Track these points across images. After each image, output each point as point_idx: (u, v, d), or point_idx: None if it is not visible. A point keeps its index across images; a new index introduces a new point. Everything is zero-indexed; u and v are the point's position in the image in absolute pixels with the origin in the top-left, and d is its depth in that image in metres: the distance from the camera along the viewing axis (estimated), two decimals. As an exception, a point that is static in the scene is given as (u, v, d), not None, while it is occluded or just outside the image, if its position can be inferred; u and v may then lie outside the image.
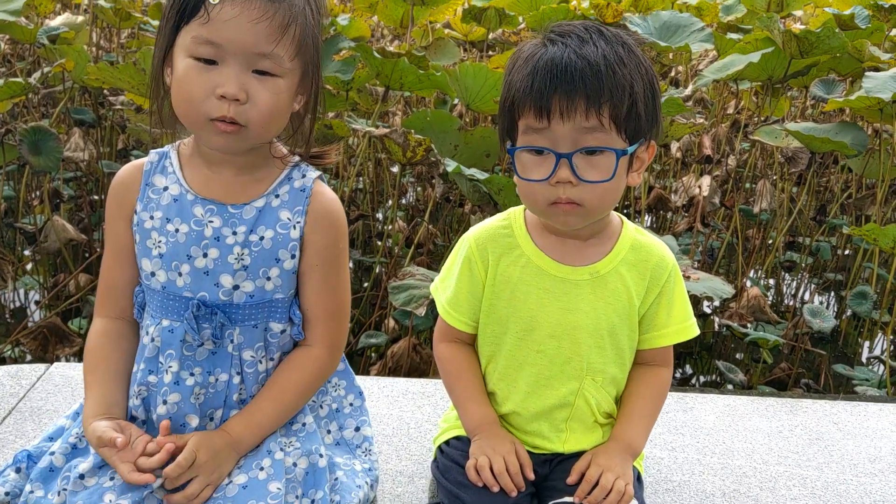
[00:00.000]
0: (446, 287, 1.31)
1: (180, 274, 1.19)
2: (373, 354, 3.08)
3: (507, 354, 1.27)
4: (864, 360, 3.61)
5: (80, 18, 4.42)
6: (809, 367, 3.46)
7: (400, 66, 3.27)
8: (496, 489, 1.17)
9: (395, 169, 4.56)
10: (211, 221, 1.18)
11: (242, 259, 1.18)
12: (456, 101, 4.15)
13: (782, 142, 3.77)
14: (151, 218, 1.20)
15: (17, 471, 1.22)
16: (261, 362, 1.22)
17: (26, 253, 3.70)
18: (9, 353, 2.93)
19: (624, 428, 1.25)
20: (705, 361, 3.65)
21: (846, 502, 1.41)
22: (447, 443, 1.33)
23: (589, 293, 1.22)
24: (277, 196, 1.21)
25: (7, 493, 1.19)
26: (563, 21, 1.22)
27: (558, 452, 1.27)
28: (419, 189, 4.80)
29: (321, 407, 1.32)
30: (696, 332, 1.27)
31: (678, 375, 3.49)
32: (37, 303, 3.49)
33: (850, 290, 3.84)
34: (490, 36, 4.83)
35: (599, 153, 1.11)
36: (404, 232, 3.95)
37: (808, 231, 4.31)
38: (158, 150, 1.25)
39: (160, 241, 1.19)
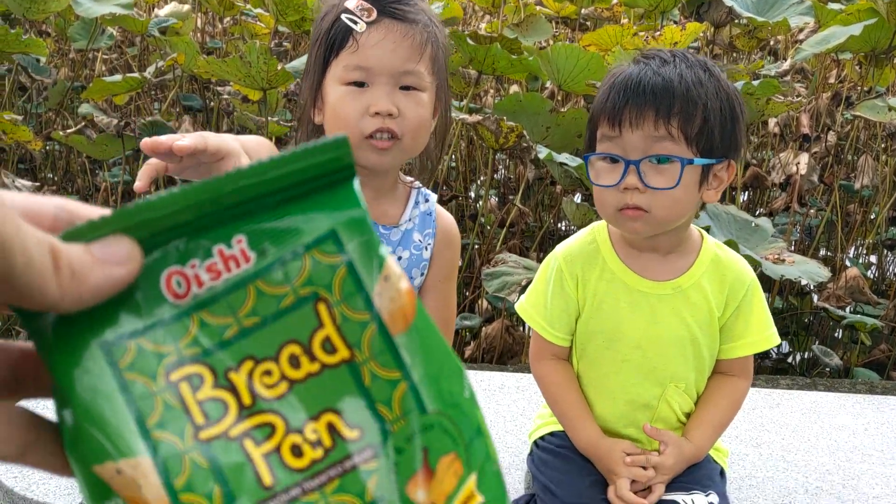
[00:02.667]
0: (538, 306, 1.38)
1: None
2: (467, 334, 3.19)
3: (591, 363, 1.35)
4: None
5: (186, 7, 4.62)
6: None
7: (492, 51, 3.33)
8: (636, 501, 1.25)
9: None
10: None
11: None
12: (548, 82, 4.18)
13: (885, 117, 3.67)
14: None
15: None
16: None
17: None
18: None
19: (693, 434, 1.31)
20: (802, 340, 3.63)
21: (931, 501, 1.44)
22: (542, 438, 1.42)
23: (671, 306, 1.29)
24: (410, 219, 1.31)
25: None
26: (655, 48, 1.29)
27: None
28: (511, 165, 4.86)
29: None
30: (775, 342, 1.33)
31: (773, 354, 3.48)
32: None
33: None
34: (582, 12, 4.82)
35: (667, 162, 1.18)
36: (496, 213, 4.03)
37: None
38: None
39: None
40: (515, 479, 1.46)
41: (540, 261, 4.13)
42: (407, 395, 0.35)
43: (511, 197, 4.95)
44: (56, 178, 4.52)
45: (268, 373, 0.34)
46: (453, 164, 4.63)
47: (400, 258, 1.29)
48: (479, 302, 3.33)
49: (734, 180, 3.74)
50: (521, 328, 3.17)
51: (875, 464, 1.54)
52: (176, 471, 0.33)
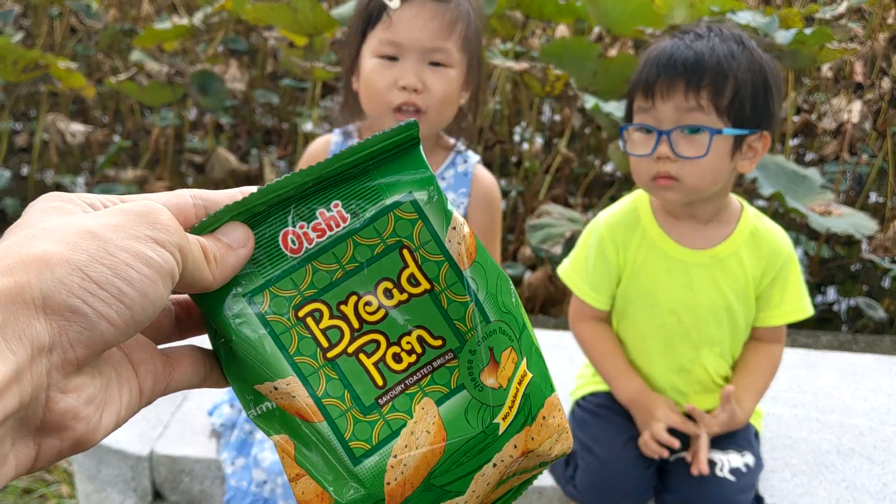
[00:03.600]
0: (580, 271, 1.42)
1: None
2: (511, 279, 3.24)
3: (629, 326, 1.40)
4: None
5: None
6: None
7: (540, -4, 3.29)
8: (665, 454, 1.30)
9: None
10: None
11: None
12: (596, 27, 4.12)
13: (943, 62, 3.57)
14: None
15: (231, 405, 1.48)
16: None
17: (190, 181, 4.04)
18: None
19: (741, 401, 1.35)
20: (849, 288, 3.60)
21: (964, 464, 1.46)
22: (584, 398, 1.47)
23: (708, 274, 1.32)
24: (444, 179, 1.36)
25: (222, 425, 1.44)
26: (693, 24, 1.32)
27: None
28: (557, 107, 4.82)
29: None
30: (809, 312, 1.36)
31: (821, 300, 3.47)
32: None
33: None
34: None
35: (698, 132, 1.22)
36: (541, 158, 4.03)
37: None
38: (340, 129, 1.43)
39: None
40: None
41: (585, 208, 4.16)
42: (475, 313, 0.47)
43: (556, 141, 4.93)
44: (107, 119, 4.61)
45: (368, 304, 0.46)
46: (498, 107, 4.62)
47: None
48: (522, 249, 3.37)
49: (784, 129, 3.68)
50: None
51: (910, 427, 1.57)
52: (316, 384, 0.45)
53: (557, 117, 4.95)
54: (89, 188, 3.80)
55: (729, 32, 1.27)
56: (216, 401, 1.54)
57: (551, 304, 3.10)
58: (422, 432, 0.45)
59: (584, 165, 4.26)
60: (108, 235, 0.36)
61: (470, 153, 1.40)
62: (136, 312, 0.37)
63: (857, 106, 3.52)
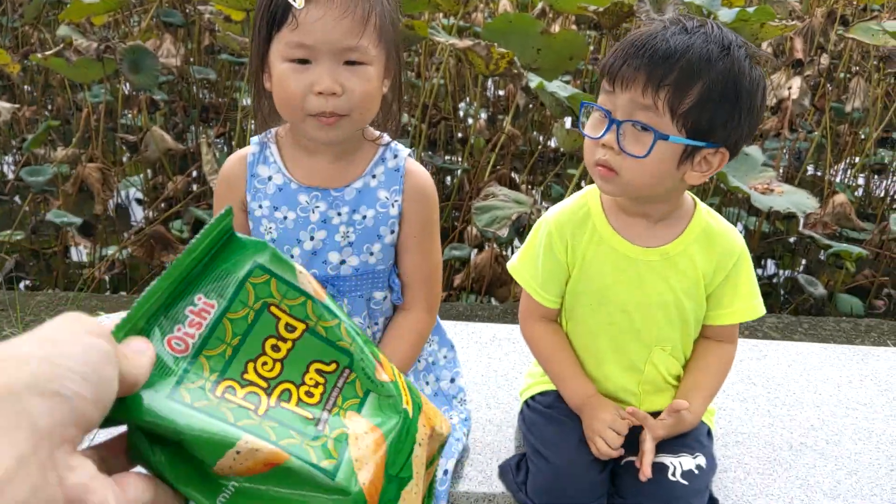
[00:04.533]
0: (529, 267, 1.38)
1: (292, 256, 1.30)
2: (457, 263, 3.20)
3: (579, 324, 1.36)
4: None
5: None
6: (894, 274, 3.45)
7: (483, -28, 3.22)
8: (615, 454, 1.28)
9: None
10: (317, 206, 1.29)
11: (348, 237, 1.29)
12: (539, 3, 4.07)
13: (879, 40, 3.62)
14: (260, 207, 1.31)
15: None
16: (368, 328, 1.35)
17: (124, 160, 3.90)
18: (119, 256, 3.16)
19: (691, 401, 1.33)
20: (787, 262, 3.67)
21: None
22: (533, 398, 1.45)
23: (658, 272, 1.29)
24: (374, 176, 1.30)
25: None
26: (688, 14, 1.24)
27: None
28: (501, 82, 4.78)
29: (419, 361, 1.45)
30: (761, 312, 1.33)
31: (761, 273, 3.52)
32: (139, 201, 3.72)
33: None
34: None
35: (647, 131, 1.16)
36: (485, 135, 3.99)
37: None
38: (258, 139, 1.34)
39: (271, 228, 1.31)
40: (506, 437, 1.49)
41: (532, 185, 4.11)
42: (348, 328, 0.56)
43: (501, 117, 4.89)
44: (36, 95, 4.42)
45: (264, 363, 0.53)
46: (442, 82, 4.55)
47: (364, 217, 1.29)
48: (469, 229, 3.33)
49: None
50: (510, 257, 3.18)
51: (859, 418, 1.58)
52: (266, 434, 0.49)
53: (502, 92, 4.91)
54: (17, 167, 3.64)
55: (720, 34, 1.17)
56: None
57: (498, 284, 3.08)
58: (363, 436, 0.53)
59: (529, 143, 4.23)
60: (58, 337, 0.43)
61: (399, 147, 1.34)
62: (100, 391, 0.43)
63: (796, 82, 3.56)
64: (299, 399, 0.53)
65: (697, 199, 1.33)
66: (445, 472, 1.36)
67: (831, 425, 1.56)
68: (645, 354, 1.35)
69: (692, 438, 1.34)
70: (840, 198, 3.48)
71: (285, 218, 1.30)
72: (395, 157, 1.32)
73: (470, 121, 4.58)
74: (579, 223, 1.33)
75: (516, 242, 3.34)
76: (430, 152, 4.25)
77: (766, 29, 3.45)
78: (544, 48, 3.51)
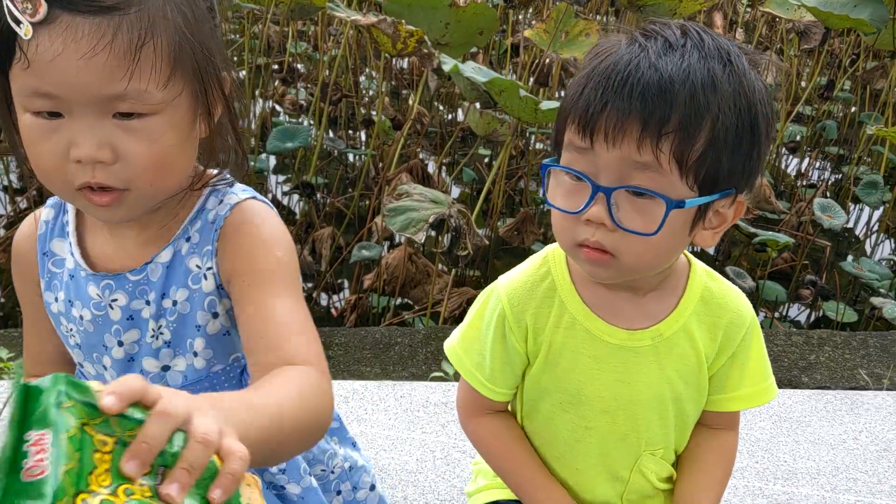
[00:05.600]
0: (472, 354, 1.06)
1: (105, 367, 0.95)
2: (369, 263, 2.96)
3: (543, 424, 1.06)
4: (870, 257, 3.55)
5: None
6: (812, 258, 3.40)
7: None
8: None
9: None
10: (114, 300, 0.92)
11: (161, 334, 0.93)
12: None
13: (794, 14, 3.53)
14: (56, 300, 0.95)
15: None
16: None
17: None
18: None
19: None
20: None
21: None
22: (485, 507, 1.15)
23: (651, 361, 1.00)
24: (188, 239, 0.91)
25: None
26: (664, 19, 0.91)
27: None
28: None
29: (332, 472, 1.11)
30: (773, 394, 1.06)
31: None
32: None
33: (854, 169, 3.74)
34: None
35: (649, 197, 0.85)
36: (390, 113, 3.72)
37: (813, 102, 4.13)
38: (53, 201, 0.96)
39: (72, 330, 0.95)
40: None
41: (450, 174, 3.87)
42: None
43: (406, 92, 4.62)
44: None
45: (99, 475, 0.53)
46: (340, 54, 4.24)
47: (175, 302, 0.91)
48: (376, 221, 3.08)
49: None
50: (424, 256, 2.96)
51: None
52: None
53: (405, 64, 4.64)
54: None
55: (713, 43, 0.85)
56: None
57: (412, 285, 2.86)
58: None
59: (439, 124, 4.00)
60: None
61: (234, 190, 0.94)
62: None
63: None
64: (142, 494, 0.53)
65: (690, 256, 1.03)
66: None
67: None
68: (631, 462, 1.05)
69: None
70: (759, 180, 3.39)
71: (82, 318, 0.93)
72: (220, 202, 0.92)
73: (373, 95, 4.30)
74: (542, 300, 1.01)
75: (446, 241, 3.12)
76: (330, 134, 3.96)
77: (685, 4, 3.31)
78: (453, 23, 3.26)
